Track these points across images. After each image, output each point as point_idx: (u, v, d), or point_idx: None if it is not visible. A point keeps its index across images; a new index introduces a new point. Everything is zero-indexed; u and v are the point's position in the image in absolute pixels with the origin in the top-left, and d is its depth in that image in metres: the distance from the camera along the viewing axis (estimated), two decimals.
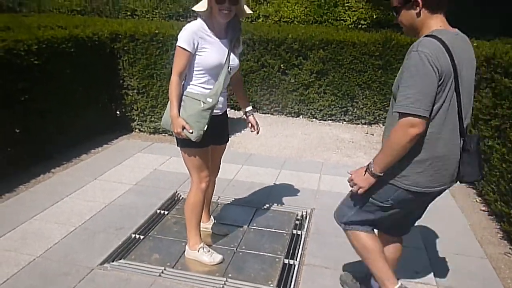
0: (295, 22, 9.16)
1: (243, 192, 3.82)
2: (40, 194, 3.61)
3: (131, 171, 4.17)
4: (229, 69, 2.46)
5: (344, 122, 6.30)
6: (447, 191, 4.06)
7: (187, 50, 2.32)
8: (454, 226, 3.41)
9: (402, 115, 1.67)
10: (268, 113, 6.58)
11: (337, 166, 4.54)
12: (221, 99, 2.51)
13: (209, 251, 2.73)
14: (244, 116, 2.83)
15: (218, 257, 2.73)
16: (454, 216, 3.59)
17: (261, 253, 2.88)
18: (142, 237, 3.02)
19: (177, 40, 2.35)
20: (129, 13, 10.23)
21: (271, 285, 2.56)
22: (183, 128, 2.37)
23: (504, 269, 2.89)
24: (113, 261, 2.72)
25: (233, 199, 3.67)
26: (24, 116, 3.94)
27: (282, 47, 6.13)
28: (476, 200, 3.93)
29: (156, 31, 4.94)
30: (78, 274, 2.59)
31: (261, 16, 9.40)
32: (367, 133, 5.86)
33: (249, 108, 2.80)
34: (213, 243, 2.97)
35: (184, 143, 2.48)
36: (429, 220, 3.44)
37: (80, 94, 4.66)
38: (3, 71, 3.64)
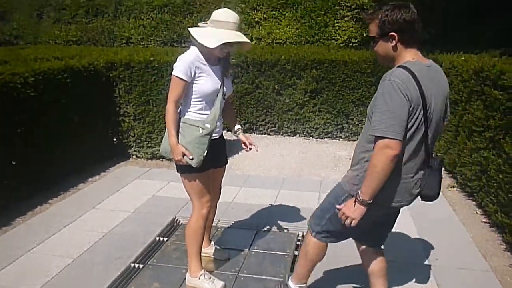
0: (288, 43, 9.30)
1: (243, 214, 3.80)
2: (37, 226, 3.58)
3: (129, 198, 4.15)
4: (224, 95, 2.50)
5: (341, 139, 6.33)
6: (447, 204, 4.06)
7: (183, 80, 2.35)
8: (456, 239, 3.39)
9: (378, 138, 1.78)
10: (264, 134, 6.61)
11: (336, 183, 4.52)
12: (217, 123, 2.53)
13: (210, 278, 2.69)
14: (235, 136, 2.84)
15: (219, 284, 2.68)
16: (456, 230, 3.56)
17: (263, 277, 2.84)
18: (141, 266, 2.98)
19: (173, 68, 2.38)
20: (124, 41, 10.38)
21: None
22: (183, 155, 2.38)
23: (510, 281, 2.86)
24: None
25: (233, 222, 3.65)
26: (21, 148, 3.94)
27: (275, 68, 6.21)
28: (477, 212, 3.92)
29: (151, 58, 5.00)
30: None
31: (254, 38, 9.55)
32: None
33: (238, 127, 2.83)
34: (214, 268, 2.93)
35: (184, 168, 2.48)
36: (431, 234, 3.42)
37: (76, 123, 4.68)
38: (0, 104, 3.67)
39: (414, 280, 2.83)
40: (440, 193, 2.08)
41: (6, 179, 3.85)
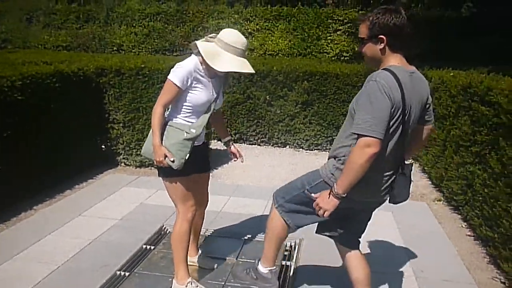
0: (280, 55, 9.39)
1: (231, 223, 3.79)
2: (22, 232, 3.52)
3: (116, 206, 4.11)
4: (214, 107, 2.55)
5: None
6: (433, 217, 4.10)
7: (178, 87, 2.37)
8: (442, 252, 3.42)
9: (360, 136, 1.84)
10: (255, 144, 6.62)
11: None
12: (202, 132, 2.54)
13: (197, 286, 2.68)
14: (225, 147, 2.88)
15: None
16: (441, 243, 3.60)
17: (251, 287, 2.82)
18: (128, 274, 2.94)
19: (169, 72, 2.39)
20: (115, 48, 10.36)
21: None
22: (165, 156, 2.39)
23: None
24: None
25: (221, 231, 3.64)
26: (6, 153, 3.89)
27: (267, 79, 6.25)
28: (462, 226, 3.96)
29: (142, 65, 5.00)
30: None
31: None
32: None
33: (228, 138, 2.87)
34: (200, 277, 2.91)
35: (166, 172, 2.48)
36: (417, 247, 3.45)
37: (64, 129, 4.63)
38: None
39: None
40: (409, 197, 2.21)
41: None
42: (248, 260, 3.15)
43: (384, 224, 3.86)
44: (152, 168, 5.22)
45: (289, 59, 8.09)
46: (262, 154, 6.20)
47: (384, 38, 1.91)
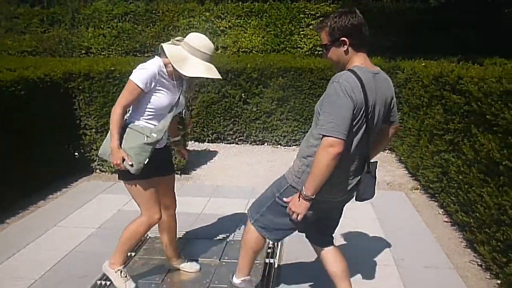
0: (254, 51, 9.35)
1: (213, 225, 3.75)
2: None
3: (93, 214, 4.01)
4: (176, 111, 2.52)
5: None
6: (411, 205, 4.17)
7: (140, 88, 2.32)
8: (421, 239, 3.49)
9: (324, 136, 1.87)
10: (232, 143, 6.59)
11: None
12: (164, 135, 2.51)
13: (126, 276, 2.65)
14: (173, 146, 2.88)
15: (132, 285, 2.65)
16: (420, 230, 3.67)
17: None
18: (108, 283, 2.86)
19: (131, 73, 2.34)
20: (83, 52, 10.10)
21: None
22: (123, 160, 2.34)
23: (470, 277, 2.97)
24: None
25: (203, 233, 3.60)
26: None
27: (242, 77, 6.22)
28: (439, 212, 4.05)
29: (112, 68, 4.89)
30: None
31: (219, 47, 9.53)
32: None
33: (177, 138, 2.88)
34: (184, 280, 2.88)
35: (125, 175, 2.43)
36: (396, 236, 3.51)
37: (33, 138, 4.47)
38: None
39: (381, 280, 2.88)
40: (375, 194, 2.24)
41: None
42: (232, 261, 3.13)
43: (363, 215, 3.90)
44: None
45: (263, 55, 8.07)
46: (241, 152, 6.18)
47: (346, 39, 1.96)
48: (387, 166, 5.51)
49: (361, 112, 1.92)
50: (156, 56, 2.44)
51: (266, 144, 6.53)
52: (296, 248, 3.27)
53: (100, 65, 5.07)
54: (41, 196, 4.47)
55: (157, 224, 2.67)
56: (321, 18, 8.55)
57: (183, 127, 5.07)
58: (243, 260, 2.44)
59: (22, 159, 4.32)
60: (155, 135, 2.40)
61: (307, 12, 8.88)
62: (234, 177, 5.13)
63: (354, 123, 1.92)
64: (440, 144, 3.99)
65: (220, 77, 2.43)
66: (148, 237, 3.53)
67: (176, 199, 2.89)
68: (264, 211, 2.27)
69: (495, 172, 2.89)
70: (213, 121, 6.47)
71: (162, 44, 2.39)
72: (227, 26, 9.73)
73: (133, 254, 3.25)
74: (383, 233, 3.57)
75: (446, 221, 3.86)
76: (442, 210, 4.07)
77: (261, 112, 6.30)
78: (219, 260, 3.16)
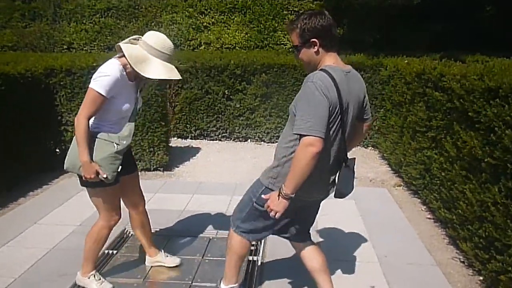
0: (237, 48, 9.29)
1: (195, 222, 3.72)
2: None
3: (74, 211, 3.94)
4: (136, 110, 2.49)
5: None
6: (394, 202, 4.21)
7: (104, 96, 2.24)
8: (403, 236, 3.51)
9: (302, 136, 1.88)
10: (216, 140, 6.55)
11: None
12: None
13: (100, 279, 2.65)
14: None
15: (108, 286, 2.65)
16: (402, 227, 3.70)
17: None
18: None
19: (92, 78, 2.27)
20: (65, 47, 9.88)
21: None
22: (97, 173, 2.29)
23: (453, 273, 3.00)
24: None
25: (185, 230, 3.56)
26: None
27: (225, 73, 6.18)
28: (422, 209, 4.09)
29: (94, 64, 4.79)
30: None
31: (202, 43, 9.45)
32: None
33: None
34: (166, 277, 2.85)
35: (91, 183, 2.37)
36: (379, 233, 3.53)
37: (12, 135, 4.37)
38: None
39: (364, 277, 2.90)
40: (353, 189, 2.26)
41: None
42: (214, 258, 3.11)
43: (346, 212, 3.92)
44: None
45: (246, 52, 8.03)
46: (224, 149, 6.15)
47: (316, 40, 1.99)
48: (370, 163, 5.55)
49: (336, 110, 1.95)
50: (113, 59, 2.35)
51: (249, 140, 6.51)
52: (279, 246, 3.25)
53: (82, 60, 4.98)
54: (21, 193, 4.37)
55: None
56: None
57: (165, 124, 5.02)
58: (229, 267, 2.44)
59: (1, 155, 4.21)
60: (124, 142, 2.36)
61: (291, 9, 8.87)
62: (217, 173, 5.10)
63: (330, 121, 1.94)
64: (422, 141, 4.03)
65: (180, 77, 2.39)
66: (130, 234, 3.48)
67: (144, 195, 2.87)
68: (243, 217, 2.30)
69: (478, 169, 2.93)
70: (196, 118, 6.42)
71: (119, 43, 2.31)
72: (210, 22, 9.65)
73: (114, 252, 3.20)
74: (365, 230, 3.59)
75: (429, 218, 3.90)
76: (424, 207, 4.11)
77: (244, 108, 6.27)
78: (202, 257, 3.13)
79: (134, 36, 2.39)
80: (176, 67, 2.40)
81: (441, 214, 3.53)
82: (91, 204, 4.19)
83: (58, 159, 5.05)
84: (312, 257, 2.38)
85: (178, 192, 4.42)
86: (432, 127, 3.83)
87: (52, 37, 9.97)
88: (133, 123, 2.44)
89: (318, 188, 2.14)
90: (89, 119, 2.27)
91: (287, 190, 1.96)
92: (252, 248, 3.27)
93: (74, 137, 2.33)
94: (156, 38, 2.31)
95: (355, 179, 2.28)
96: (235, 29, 9.52)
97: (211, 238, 3.43)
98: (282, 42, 9.17)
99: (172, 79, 2.38)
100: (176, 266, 2.97)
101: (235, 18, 9.62)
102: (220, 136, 6.53)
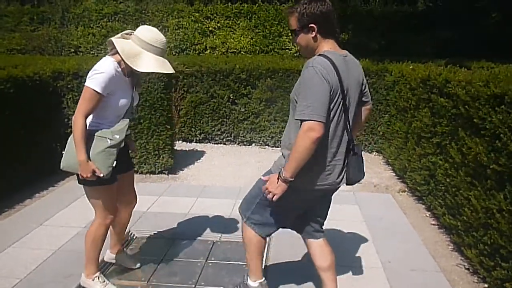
0: (242, 52, 9.33)
1: (199, 225, 3.73)
2: None
3: (80, 213, 3.96)
4: (133, 107, 2.50)
5: None
6: (398, 208, 4.20)
7: (100, 94, 2.26)
8: (407, 242, 3.50)
9: (303, 121, 1.89)
10: (220, 143, 6.57)
11: None
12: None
13: (104, 281, 2.66)
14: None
15: None
16: (407, 233, 3.69)
17: None
18: None
19: (89, 76, 2.28)
20: (72, 50, 9.98)
21: None
22: (94, 172, 2.30)
23: (457, 280, 2.99)
24: None
25: (189, 233, 3.57)
26: None
27: (230, 78, 6.21)
28: (426, 215, 4.08)
29: None
30: None
31: (208, 48, 9.50)
32: None
33: (128, 132, 2.79)
34: (171, 280, 2.85)
35: (88, 181, 2.38)
36: (383, 238, 3.52)
37: (22, 136, 4.42)
38: None
39: (368, 283, 2.89)
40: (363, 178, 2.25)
41: None
42: (218, 262, 3.12)
43: (350, 217, 3.91)
44: None
45: (251, 56, 8.06)
46: (228, 153, 6.16)
47: (314, 26, 1.99)
48: (374, 168, 5.55)
49: (337, 95, 1.95)
50: (107, 56, 2.37)
51: (253, 144, 6.53)
52: (283, 249, 3.26)
53: (89, 64, 5.01)
54: (27, 194, 4.40)
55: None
56: None
57: (171, 127, 5.05)
58: (250, 261, 2.42)
59: (9, 157, 4.26)
60: (117, 136, 2.36)
61: None
62: (222, 177, 5.12)
63: (333, 106, 1.94)
64: (427, 146, 4.03)
65: (173, 71, 2.40)
66: (134, 237, 3.50)
67: (137, 196, 2.89)
68: (254, 208, 2.29)
69: (483, 175, 2.92)
70: (201, 121, 6.45)
71: (111, 38, 2.31)
72: (216, 26, 9.70)
73: None
74: (369, 236, 3.58)
75: (433, 224, 3.89)
76: (429, 213, 4.10)
77: (249, 112, 6.30)
78: (206, 260, 3.14)
79: (127, 31, 2.39)
80: (170, 62, 2.41)
81: (446, 220, 3.52)
82: None
83: None
84: (321, 255, 2.37)
85: (183, 195, 4.44)
86: (437, 133, 3.82)
87: (60, 40, 10.08)
88: (128, 120, 2.44)
89: (323, 177, 2.11)
90: (86, 117, 2.28)
91: (286, 173, 1.97)
92: None
93: (70, 136, 2.35)
94: (148, 32, 2.32)
95: (358, 183, 2.27)
96: (240, 34, 9.57)
97: (214, 241, 3.44)
98: (287, 47, 9.20)
99: (163, 72, 2.38)
100: (138, 268, 2.98)
101: (241, 23, 9.67)
102: (224, 140, 6.55)
